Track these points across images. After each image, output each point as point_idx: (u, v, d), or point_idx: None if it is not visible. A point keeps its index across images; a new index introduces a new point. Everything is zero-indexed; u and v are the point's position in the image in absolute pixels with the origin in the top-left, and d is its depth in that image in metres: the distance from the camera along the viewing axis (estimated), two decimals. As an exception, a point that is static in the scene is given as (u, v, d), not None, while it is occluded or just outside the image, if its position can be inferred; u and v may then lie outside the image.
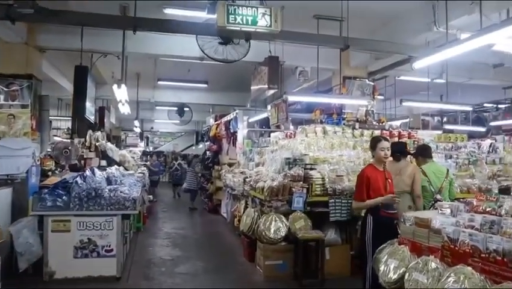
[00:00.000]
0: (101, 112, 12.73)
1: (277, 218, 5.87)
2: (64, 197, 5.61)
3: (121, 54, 6.88)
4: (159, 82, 12.58)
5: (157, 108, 17.98)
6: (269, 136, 9.52)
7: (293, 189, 5.96)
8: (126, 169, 9.75)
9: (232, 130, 10.95)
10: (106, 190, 5.74)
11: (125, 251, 6.66)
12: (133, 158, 15.62)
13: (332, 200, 5.97)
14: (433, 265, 3.14)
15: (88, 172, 5.95)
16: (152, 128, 25.48)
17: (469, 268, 2.87)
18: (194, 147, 25.05)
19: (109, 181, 6.47)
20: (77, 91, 6.25)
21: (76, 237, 5.54)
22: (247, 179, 7.25)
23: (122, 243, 6.11)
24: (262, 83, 7.59)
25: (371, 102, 7.54)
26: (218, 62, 8.66)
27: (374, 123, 7.88)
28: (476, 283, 2.75)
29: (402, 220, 3.85)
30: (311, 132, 7.25)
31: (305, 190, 6.00)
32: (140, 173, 9.65)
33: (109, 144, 10.03)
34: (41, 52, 7.11)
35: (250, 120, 10.84)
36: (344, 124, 7.79)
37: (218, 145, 13.07)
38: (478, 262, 2.89)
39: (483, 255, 2.86)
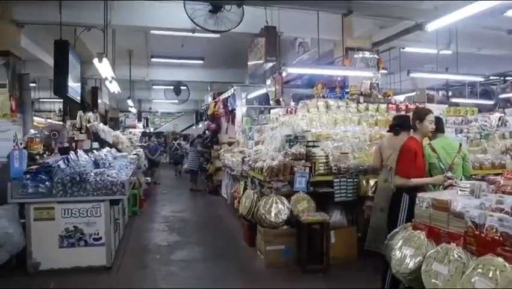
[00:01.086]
0: (94, 92, 12.25)
1: (278, 200, 5.45)
2: (46, 183, 5.17)
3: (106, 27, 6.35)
4: (153, 59, 12.04)
5: (154, 87, 17.42)
6: (269, 113, 9.05)
7: (295, 168, 5.55)
8: (119, 151, 9.35)
9: (230, 108, 10.45)
10: (92, 174, 5.32)
11: (118, 238, 6.30)
12: (130, 139, 15.27)
13: (337, 180, 5.59)
14: (455, 254, 2.70)
15: (72, 155, 5.51)
16: (150, 108, 24.98)
17: (500, 258, 2.43)
18: (194, 127, 24.54)
19: (97, 164, 6.04)
20: (57, 68, 5.74)
21: (61, 225, 5.15)
22: (245, 159, 6.80)
23: (113, 230, 5.71)
24: (259, 56, 7.06)
25: (376, 74, 7.00)
26: (212, 35, 8.27)
27: (379, 96, 7.36)
28: (510, 277, 2.31)
29: (417, 202, 3.40)
30: (313, 107, 6.78)
31: (307, 169, 5.59)
32: (134, 154, 9.22)
33: (101, 125, 9.57)
34: (19, 26, 6.57)
35: (249, 97, 10.31)
36: (347, 98, 7.30)
37: (217, 124, 12.61)
38: (510, 251, 2.44)
39: (517, 244, 2.42)
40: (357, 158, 5.88)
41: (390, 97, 7.34)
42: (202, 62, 12.06)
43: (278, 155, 5.73)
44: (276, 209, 5.38)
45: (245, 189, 6.92)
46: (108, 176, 5.36)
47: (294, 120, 6.62)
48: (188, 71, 13.72)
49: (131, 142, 13.78)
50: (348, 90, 7.66)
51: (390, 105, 7.00)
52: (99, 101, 13.10)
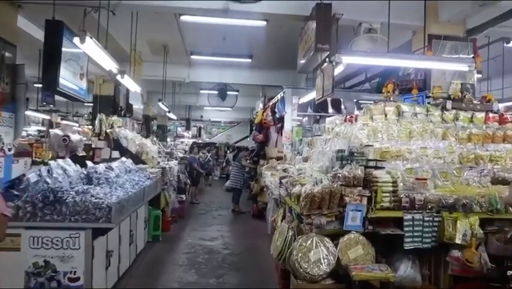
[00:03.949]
0: (127, 95, 11.66)
1: (319, 243, 4.15)
2: (18, 202, 4.30)
3: (116, 7, 5.50)
4: (193, 57, 11.20)
5: (202, 91, 16.68)
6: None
7: (346, 198, 4.25)
8: (143, 162, 8.50)
9: (278, 115, 9.28)
10: (72, 193, 4.36)
11: (117, 275, 5.33)
12: (172, 150, 14.57)
13: (409, 217, 4.25)
14: None
15: (50, 166, 4.62)
16: (201, 117, 24.45)
17: None
18: (248, 138, 23.65)
19: (89, 180, 5.11)
20: (46, 55, 4.90)
21: (28, 259, 4.25)
22: (283, 180, 5.56)
23: (104, 267, 4.74)
24: (309, 45, 5.84)
25: (472, 70, 5.46)
26: (257, 23, 7.25)
27: (475, 102, 5.81)
28: None
29: None
30: (379, 113, 5.43)
31: (365, 200, 4.28)
32: (157, 168, 8.30)
33: (125, 131, 8.82)
34: (15, 6, 5.85)
35: (302, 101, 9.06)
36: (429, 103, 5.84)
37: (265, 134, 11.49)
38: None
39: None
40: (440, 187, 4.54)
41: (490, 103, 5.74)
42: (249, 60, 11.03)
43: (324, 178, 4.43)
44: (317, 256, 4.08)
45: (283, 220, 5.67)
46: (92, 196, 4.38)
47: (351, 130, 5.29)
48: (234, 72, 12.77)
49: (170, 153, 12.99)
50: (429, 94, 6.18)
51: (491, 114, 5.47)
52: (136, 106, 12.55)
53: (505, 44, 8.11)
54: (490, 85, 10.83)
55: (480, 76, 8.45)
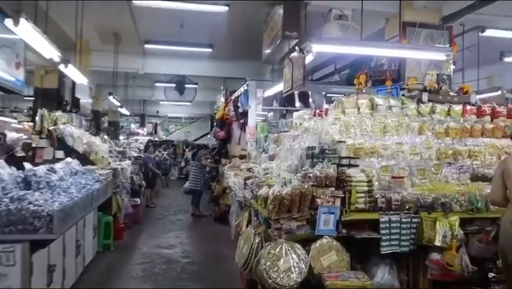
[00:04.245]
0: (74, 88, 11.20)
1: (289, 250, 4.02)
2: None
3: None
4: (148, 46, 10.86)
5: (157, 84, 16.37)
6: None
7: (318, 200, 4.13)
8: (92, 163, 8.16)
9: (241, 110, 9.13)
10: (5, 200, 4.05)
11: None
12: (124, 148, 14.16)
13: (386, 219, 4.23)
14: None
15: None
16: (157, 112, 24.09)
17: None
18: (209, 136, 23.50)
19: (28, 184, 4.78)
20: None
21: (-47, 278, 3.90)
22: (248, 181, 5.41)
23: (46, 283, 4.46)
24: (275, 33, 5.70)
25: (450, 56, 5.47)
26: (217, 9, 7.06)
27: (452, 94, 5.85)
28: None
29: None
30: (351, 106, 5.39)
31: (338, 202, 4.17)
32: (108, 169, 7.99)
33: (70, 128, 8.45)
34: None
35: (267, 94, 8.96)
36: (403, 95, 5.84)
37: (227, 131, 11.35)
38: None
39: None
40: (418, 186, 4.59)
41: (468, 95, 5.80)
42: (210, 50, 10.78)
43: (293, 178, 4.31)
44: (287, 264, 3.95)
45: (249, 224, 5.52)
46: (30, 203, 4.08)
47: (321, 125, 5.21)
48: (194, 64, 12.56)
49: (123, 153, 12.61)
50: (404, 86, 6.18)
51: (469, 107, 5.52)
52: (84, 100, 12.09)
53: (480, 33, 8.22)
54: (464, 77, 11.09)
55: (454, 66, 8.58)
